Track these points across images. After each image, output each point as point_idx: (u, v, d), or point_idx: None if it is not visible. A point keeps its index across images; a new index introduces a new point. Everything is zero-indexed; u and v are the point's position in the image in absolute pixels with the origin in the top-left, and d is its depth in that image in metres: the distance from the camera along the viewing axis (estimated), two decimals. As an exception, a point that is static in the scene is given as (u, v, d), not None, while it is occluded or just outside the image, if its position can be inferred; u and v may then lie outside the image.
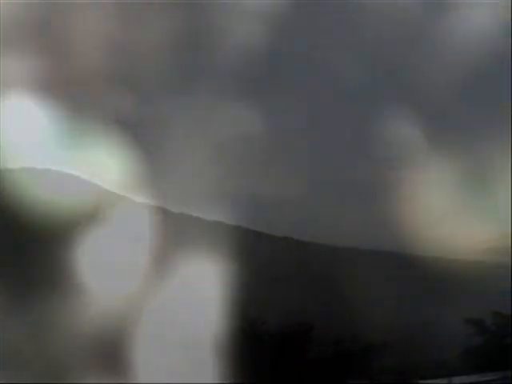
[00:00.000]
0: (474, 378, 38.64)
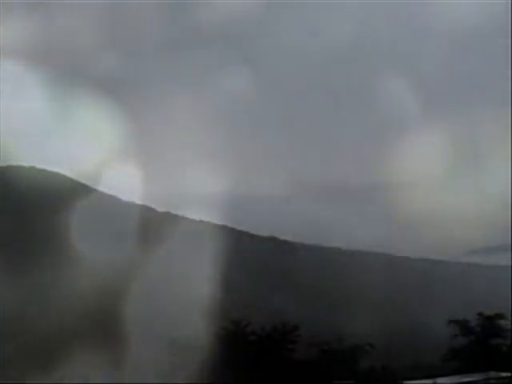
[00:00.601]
0: (457, 378, 38.60)
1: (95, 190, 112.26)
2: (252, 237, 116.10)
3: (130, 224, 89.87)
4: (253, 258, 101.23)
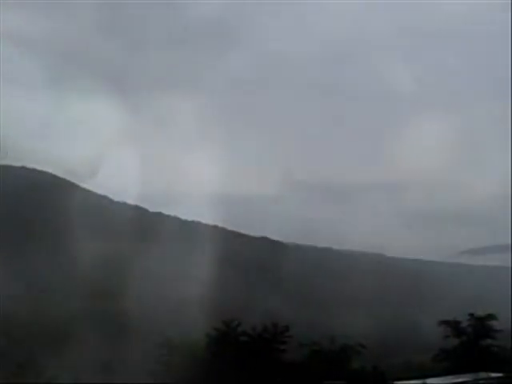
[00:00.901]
0: (448, 379, 38.88)
1: (87, 191, 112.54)
2: (243, 237, 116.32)
3: (122, 224, 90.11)
4: (244, 257, 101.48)
